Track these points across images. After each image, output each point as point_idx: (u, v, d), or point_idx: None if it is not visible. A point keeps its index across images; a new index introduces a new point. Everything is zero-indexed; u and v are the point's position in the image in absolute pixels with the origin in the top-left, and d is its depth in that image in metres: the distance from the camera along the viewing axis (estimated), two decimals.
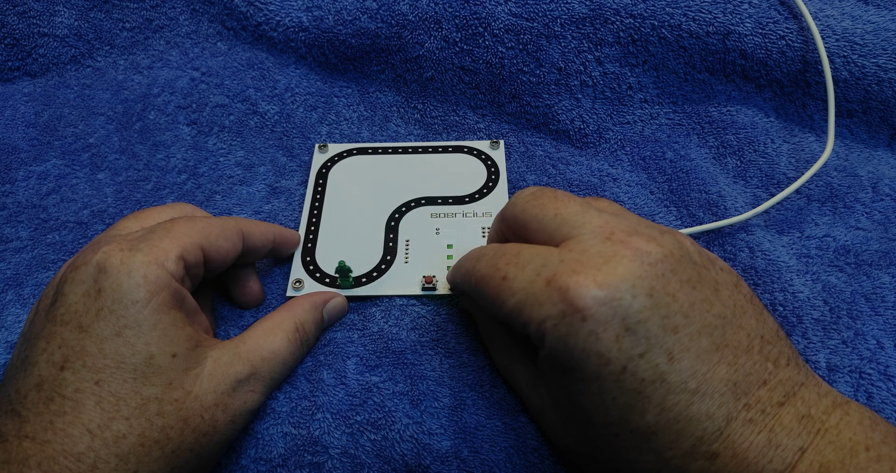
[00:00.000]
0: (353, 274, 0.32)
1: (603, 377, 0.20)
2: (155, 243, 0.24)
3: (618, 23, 0.37)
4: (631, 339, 0.20)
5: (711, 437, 0.20)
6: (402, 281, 0.32)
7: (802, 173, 0.35)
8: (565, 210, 0.24)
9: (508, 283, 0.23)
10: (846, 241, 0.33)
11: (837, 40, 0.36)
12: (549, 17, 0.38)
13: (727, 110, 0.39)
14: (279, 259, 0.33)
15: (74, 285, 0.23)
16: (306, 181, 0.37)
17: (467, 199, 0.35)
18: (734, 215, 0.34)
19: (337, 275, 0.31)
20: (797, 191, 0.35)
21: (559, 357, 0.21)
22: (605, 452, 0.22)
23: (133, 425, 0.22)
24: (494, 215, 0.34)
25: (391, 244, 0.33)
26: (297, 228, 0.35)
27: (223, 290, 0.31)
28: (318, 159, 0.38)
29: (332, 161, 0.38)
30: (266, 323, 0.28)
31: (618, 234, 0.22)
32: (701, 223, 0.34)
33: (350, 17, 0.41)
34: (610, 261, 0.21)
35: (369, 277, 0.32)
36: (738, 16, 0.37)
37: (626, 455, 0.21)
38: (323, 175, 0.37)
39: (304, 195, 0.36)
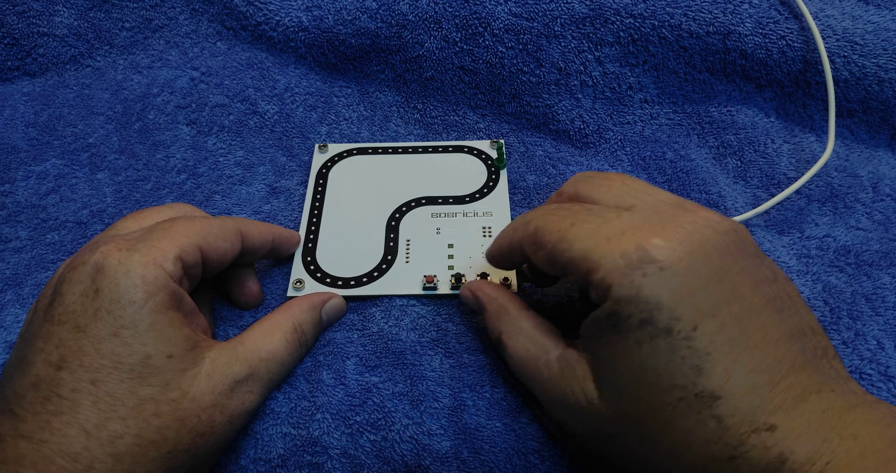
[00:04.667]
0: (354, 274, 0.32)
1: (674, 333, 0.20)
2: (153, 244, 0.24)
3: (618, 23, 0.37)
4: (705, 298, 0.20)
5: (770, 407, 0.19)
6: (402, 281, 0.32)
7: (803, 174, 0.35)
8: (633, 183, 0.24)
9: (576, 229, 0.22)
10: (846, 241, 0.33)
11: (838, 40, 0.36)
12: (549, 16, 0.38)
13: (727, 110, 0.39)
14: (279, 260, 0.33)
15: (72, 284, 0.23)
16: (306, 181, 0.37)
17: (468, 198, 0.35)
18: (734, 216, 0.33)
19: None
20: (797, 191, 0.35)
21: (627, 310, 0.20)
22: (657, 423, 0.20)
23: (129, 425, 0.22)
24: (495, 214, 0.34)
25: (392, 244, 0.33)
26: (297, 228, 0.35)
27: (222, 290, 0.31)
28: (318, 159, 0.38)
29: (332, 161, 0.38)
30: (264, 324, 0.27)
31: (687, 204, 0.22)
32: None
33: (350, 17, 0.41)
34: (684, 224, 0.21)
35: (370, 277, 0.32)
36: (739, 16, 0.37)
37: (685, 422, 0.20)
38: (323, 175, 0.37)
39: (303, 195, 0.36)
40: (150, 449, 0.22)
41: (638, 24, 0.37)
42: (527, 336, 0.25)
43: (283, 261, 0.33)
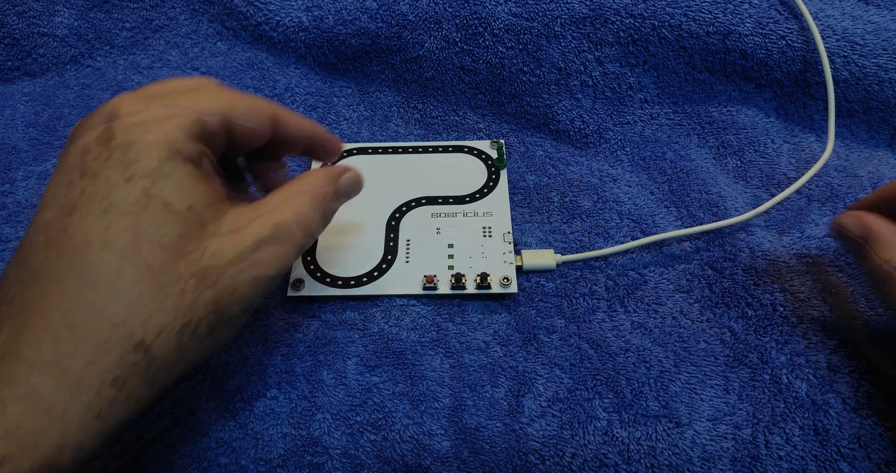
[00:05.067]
0: (354, 274, 0.32)
1: None
2: (173, 100, 0.23)
3: (618, 23, 0.37)
4: None
5: None
6: (402, 281, 0.32)
7: (803, 174, 0.35)
8: None
9: None
10: None
11: (838, 40, 0.36)
12: (549, 17, 0.38)
13: (727, 110, 0.39)
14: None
15: (85, 129, 0.22)
16: None
17: (468, 198, 0.35)
18: (734, 216, 0.33)
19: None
20: (797, 191, 0.35)
21: None
22: None
23: (147, 270, 0.20)
24: (495, 214, 0.34)
25: (392, 244, 0.33)
26: None
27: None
28: None
29: (332, 161, 0.38)
30: (286, 190, 0.25)
31: None
32: (701, 223, 0.34)
33: (350, 17, 0.41)
34: None
35: (370, 276, 0.32)
36: (739, 16, 0.37)
37: None
38: None
39: None
40: (169, 298, 0.20)
41: (638, 24, 0.37)
42: None
43: None
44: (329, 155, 0.30)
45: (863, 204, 0.27)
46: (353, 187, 0.28)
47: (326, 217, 0.26)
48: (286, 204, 0.24)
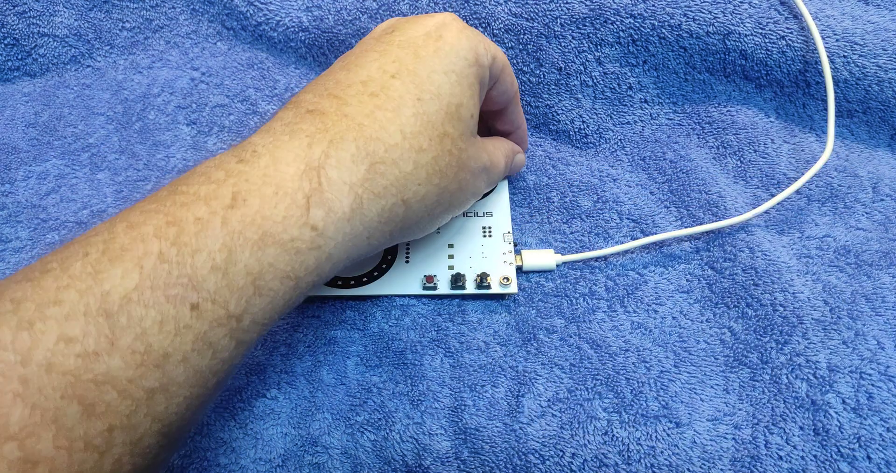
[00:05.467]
0: (354, 274, 0.32)
1: None
2: (481, 35, 0.27)
3: (618, 23, 0.37)
4: None
5: None
6: (402, 281, 0.32)
7: (802, 174, 0.35)
8: None
9: None
10: (846, 241, 0.33)
11: (838, 40, 0.36)
12: (549, 17, 0.38)
13: (727, 110, 0.39)
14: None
15: (416, 25, 0.26)
16: None
17: None
18: (734, 216, 0.33)
19: None
20: (797, 191, 0.35)
21: None
22: None
23: (432, 146, 0.24)
24: (495, 214, 0.34)
25: None
26: None
27: None
28: None
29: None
30: (494, 141, 0.31)
31: None
32: (701, 223, 0.34)
33: (350, 17, 0.41)
34: None
35: (370, 276, 0.32)
36: (738, 16, 0.37)
37: None
38: None
39: None
40: (436, 175, 0.24)
41: (638, 24, 0.37)
42: None
43: None
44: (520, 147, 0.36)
45: None
46: (519, 166, 0.35)
47: (503, 177, 0.33)
48: (496, 150, 0.31)
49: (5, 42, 0.43)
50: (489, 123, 0.34)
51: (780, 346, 0.29)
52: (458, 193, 0.26)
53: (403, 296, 0.31)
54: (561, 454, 0.26)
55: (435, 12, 0.39)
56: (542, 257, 0.32)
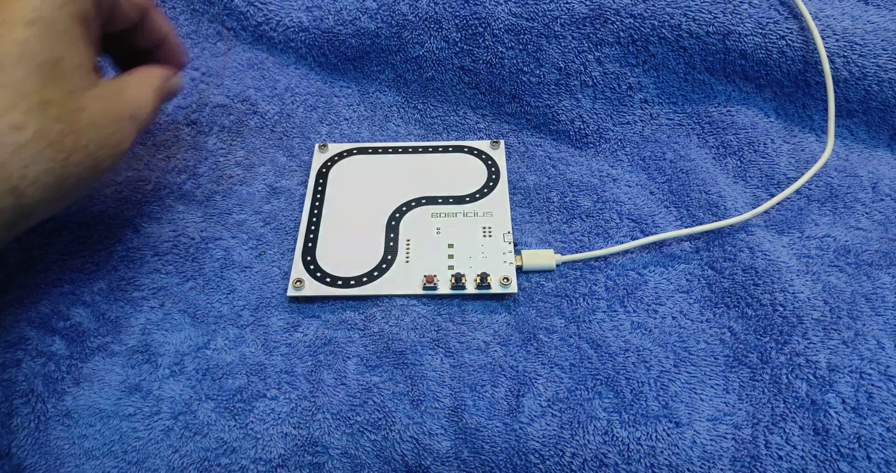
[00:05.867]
0: (354, 274, 0.32)
1: None
2: None
3: (618, 23, 0.37)
4: None
5: None
6: (402, 281, 0.32)
7: (802, 174, 0.35)
8: None
9: None
10: (846, 241, 0.33)
11: (837, 40, 0.36)
12: (549, 17, 0.38)
13: (727, 110, 0.39)
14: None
15: None
16: (306, 181, 0.37)
17: (468, 199, 0.35)
18: (734, 215, 0.34)
19: None
20: (797, 191, 0.35)
21: None
22: None
23: (31, 120, 0.21)
24: (495, 214, 0.34)
25: (392, 244, 0.33)
26: (297, 228, 0.35)
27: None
28: (318, 159, 0.38)
29: (332, 161, 0.38)
30: (135, 77, 0.28)
31: None
32: (701, 223, 0.34)
33: (350, 17, 0.41)
34: None
35: (370, 276, 0.32)
36: (738, 16, 0.37)
37: None
38: (323, 175, 0.37)
39: (304, 195, 0.36)
40: (47, 151, 0.22)
41: (638, 25, 0.37)
42: None
43: (283, 262, 0.33)
44: (173, 63, 0.32)
45: None
46: (176, 90, 0.32)
47: (160, 103, 0.29)
48: (139, 92, 0.27)
49: None
50: (126, 42, 0.30)
51: (780, 346, 0.29)
52: (89, 159, 0.23)
53: (403, 296, 0.31)
54: (561, 454, 0.26)
55: (436, 12, 0.39)
56: (542, 257, 0.32)
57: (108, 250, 0.33)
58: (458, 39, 0.39)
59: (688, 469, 0.26)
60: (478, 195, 0.36)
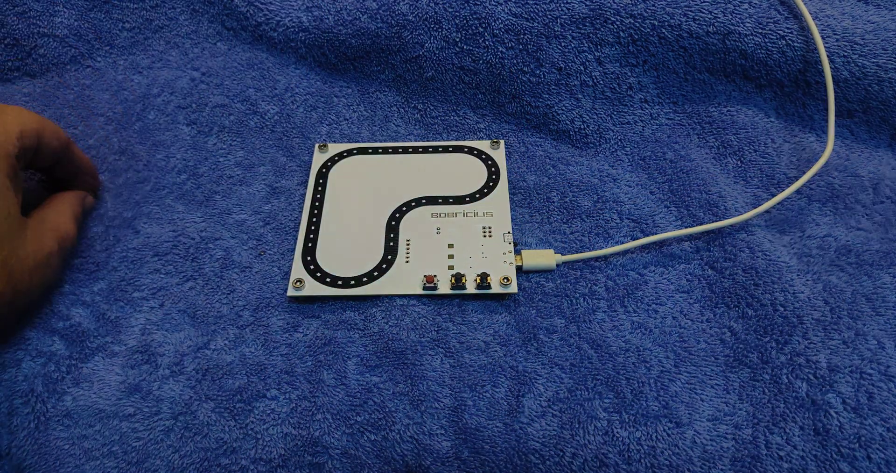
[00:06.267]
0: (354, 274, 0.32)
1: None
2: (1, 117, 0.27)
3: (618, 23, 0.37)
4: None
5: None
6: (402, 281, 0.32)
7: (803, 173, 0.35)
8: None
9: None
10: (847, 241, 0.33)
11: (837, 40, 0.36)
12: (549, 17, 0.38)
13: (727, 110, 0.39)
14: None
15: None
16: (306, 181, 0.37)
17: (468, 199, 0.35)
18: (734, 215, 0.33)
19: None
20: (798, 191, 0.35)
21: None
22: None
23: None
24: (495, 214, 0.34)
25: (392, 244, 0.33)
26: (297, 228, 0.35)
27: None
28: (318, 159, 0.38)
29: (332, 161, 0.38)
30: (54, 207, 0.31)
31: None
32: (701, 223, 0.34)
33: (350, 18, 0.41)
34: None
35: (370, 276, 0.32)
36: (738, 16, 0.37)
37: None
38: (323, 175, 0.37)
39: (304, 195, 0.36)
40: None
41: (638, 24, 0.37)
42: None
43: (282, 262, 0.33)
44: (87, 187, 0.35)
45: None
46: (90, 207, 0.35)
47: (78, 230, 0.32)
48: (59, 220, 0.30)
49: (5, 42, 0.43)
50: (50, 174, 0.33)
51: (780, 346, 0.29)
52: (20, 295, 0.27)
53: (403, 296, 0.31)
54: (561, 454, 0.26)
55: (436, 12, 0.39)
56: (542, 257, 0.32)
57: (108, 250, 0.33)
58: (458, 39, 0.39)
59: (688, 469, 0.26)
60: (478, 195, 0.35)
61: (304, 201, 0.36)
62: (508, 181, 0.37)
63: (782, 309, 0.30)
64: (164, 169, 0.38)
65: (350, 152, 0.38)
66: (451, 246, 0.33)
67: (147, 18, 0.46)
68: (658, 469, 0.26)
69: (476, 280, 0.31)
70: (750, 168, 0.37)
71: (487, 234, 0.33)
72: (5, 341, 0.29)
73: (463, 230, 0.34)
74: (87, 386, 0.28)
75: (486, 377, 0.28)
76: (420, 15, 0.39)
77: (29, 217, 0.29)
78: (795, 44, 0.37)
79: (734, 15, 0.37)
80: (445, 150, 0.38)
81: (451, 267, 0.32)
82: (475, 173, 0.37)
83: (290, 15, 0.42)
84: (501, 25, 0.38)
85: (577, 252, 0.33)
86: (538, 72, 0.38)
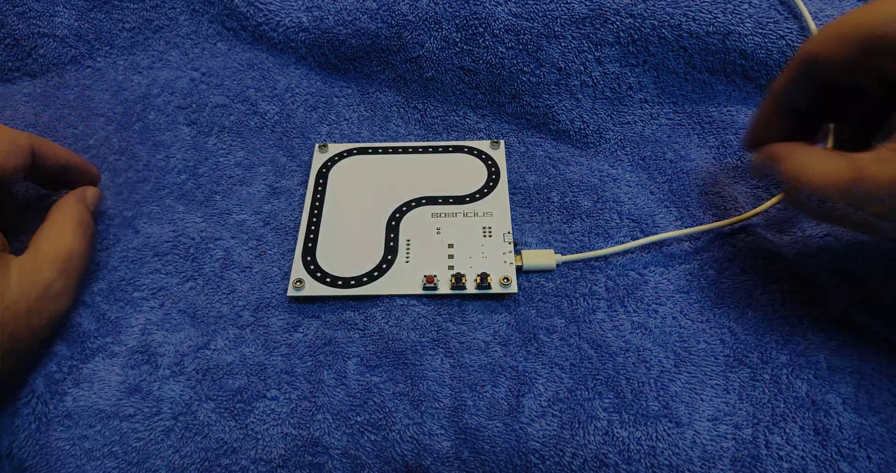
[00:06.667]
0: (354, 274, 0.32)
1: None
2: None
3: (618, 23, 0.37)
4: None
5: None
6: (403, 281, 0.32)
7: None
8: None
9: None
10: (847, 240, 0.33)
11: None
12: (549, 17, 0.38)
13: (727, 110, 0.39)
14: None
15: None
16: (306, 181, 0.37)
17: (468, 199, 0.35)
18: (734, 215, 0.33)
19: None
20: None
21: None
22: None
23: None
24: (495, 214, 0.34)
25: (392, 244, 0.33)
26: (297, 228, 0.35)
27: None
28: (318, 159, 0.38)
29: (332, 161, 0.38)
30: (51, 227, 0.29)
31: None
32: (701, 223, 0.34)
33: (350, 18, 0.41)
34: None
35: (370, 276, 0.32)
36: (738, 16, 0.37)
37: None
38: (323, 175, 0.37)
39: (304, 195, 0.36)
40: None
41: (638, 24, 0.37)
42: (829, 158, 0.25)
43: (282, 262, 0.33)
44: (89, 182, 0.33)
45: (757, 126, 0.30)
46: (98, 201, 0.33)
47: (94, 237, 0.30)
48: (59, 242, 0.28)
49: (5, 42, 0.43)
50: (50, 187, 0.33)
51: (779, 346, 0.29)
52: (21, 341, 0.25)
53: (403, 296, 0.31)
54: (561, 454, 0.26)
55: (436, 12, 0.39)
56: (542, 257, 0.32)
57: (108, 250, 0.33)
58: (458, 39, 0.39)
59: (688, 469, 0.26)
60: (478, 195, 0.35)
61: (304, 201, 0.36)
62: (508, 181, 0.37)
63: (782, 309, 0.30)
64: (164, 169, 0.38)
65: (350, 152, 0.38)
66: (451, 246, 0.33)
67: (147, 18, 0.46)
68: (658, 469, 0.26)
69: (476, 280, 0.31)
70: (750, 168, 0.37)
71: (487, 234, 0.33)
72: (13, 389, 0.27)
73: (463, 230, 0.34)
74: (87, 387, 0.28)
75: (486, 377, 0.28)
76: (420, 15, 0.39)
77: (25, 248, 0.27)
78: (795, 44, 0.37)
79: (734, 15, 0.37)
80: (445, 150, 0.38)
81: (451, 267, 0.32)
82: (475, 173, 0.37)
83: (290, 15, 0.42)
84: (501, 25, 0.38)
85: (577, 252, 0.33)
86: (538, 72, 0.38)
